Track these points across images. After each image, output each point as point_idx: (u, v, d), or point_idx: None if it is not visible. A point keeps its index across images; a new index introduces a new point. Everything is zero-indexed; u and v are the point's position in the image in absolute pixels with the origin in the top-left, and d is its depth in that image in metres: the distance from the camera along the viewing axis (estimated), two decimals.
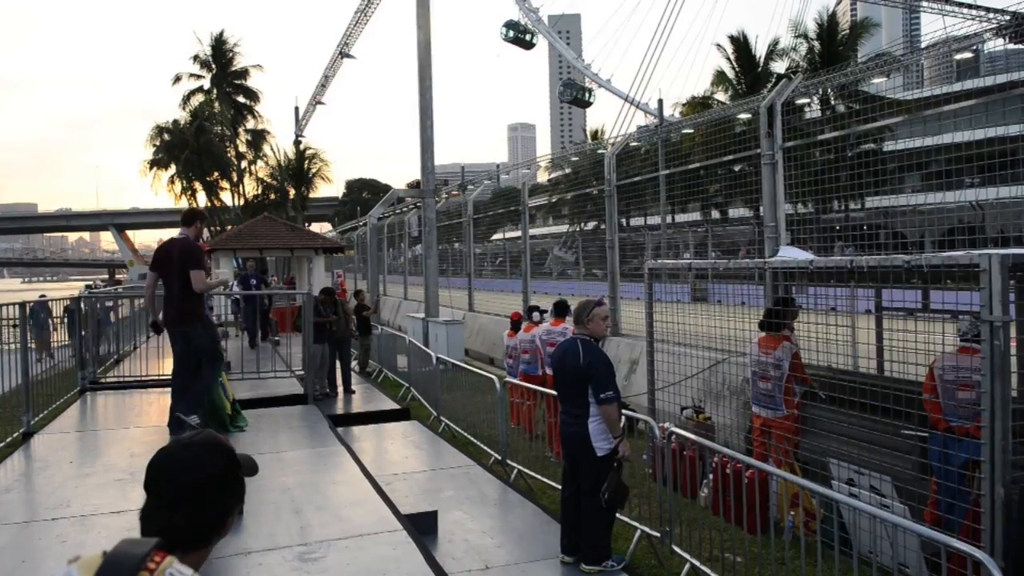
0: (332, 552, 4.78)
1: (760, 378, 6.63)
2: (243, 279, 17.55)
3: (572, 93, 39.36)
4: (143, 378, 11.06)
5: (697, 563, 5.00)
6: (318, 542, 4.93)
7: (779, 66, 34.04)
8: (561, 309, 9.79)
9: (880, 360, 6.80)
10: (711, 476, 6.45)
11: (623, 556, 5.28)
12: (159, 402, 9.62)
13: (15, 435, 7.69)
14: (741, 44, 35.15)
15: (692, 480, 6.62)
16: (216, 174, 49.89)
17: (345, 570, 4.53)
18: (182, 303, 7.08)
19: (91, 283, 60.35)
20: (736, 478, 5.35)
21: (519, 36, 39.16)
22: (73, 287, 63.82)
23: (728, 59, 35.38)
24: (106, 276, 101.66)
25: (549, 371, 8.60)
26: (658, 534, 5.41)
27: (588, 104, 39.86)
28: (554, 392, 5.84)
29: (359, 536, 5.04)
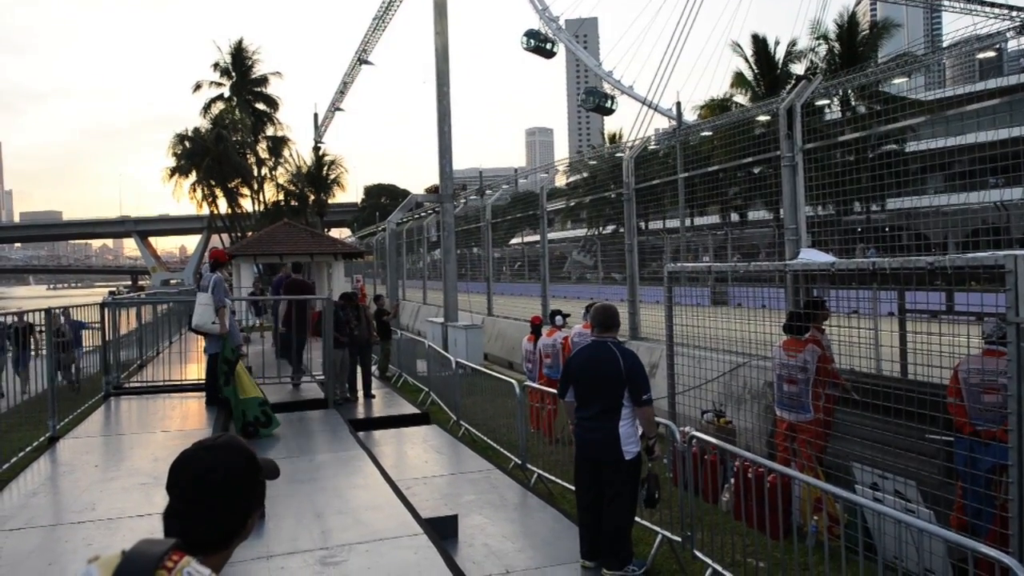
0: (353, 556, 4.80)
1: (785, 381, 6.58)
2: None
3: (595, 100, 39.34)
4: (166, 383, 11.17)
5: (719, 568, 4.96)
6: (339, 546, 4.95)
7: (799, 67, 33.85)
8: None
9: (904, 363, 6.72)
10: (732, 480, 6.40)
11: (644, 561, 5.26)
12: (182, 406, 9.73)
13: (41, 439, 7.81)
14: (760, 45, 34.97)
15: (713, 484, 6.57)
16: (237, 181, 50.36)
17: (366, 574, 4.54)
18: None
19: (114, 289, 61.00)
20: (758, 482, 5.31)
21: (540, 45, 39.25)
22: (97, 293, 64.53)
23: (747, 60, 35.21)
24: (129, 282, 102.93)
25: None
26: (679, 539, 5.38)
27: (610, 111, 39.81)
28: None
29: (380, 540, 5.05)
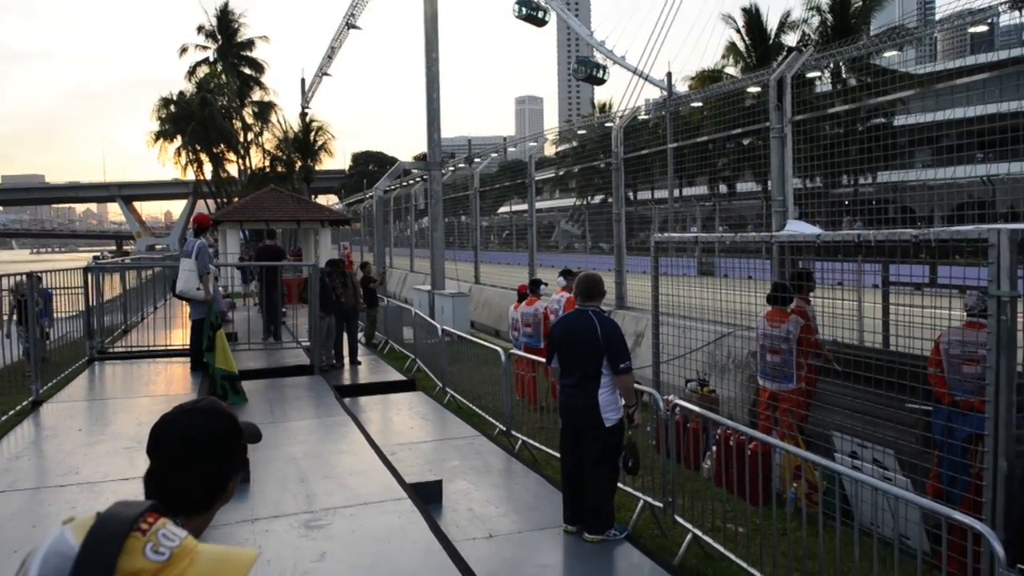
0: (338, 520, 4.83)
1: (769, 351, 6.63)
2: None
3: (586, 70, 38.92)
4: (151, 348, 11.14)
5: (699, 533, 5.04)
6: (324, 510, 4.98)
7: (791, 39, 33.60)
8: (570, 278, 9.76)
9: (886, 334, 6.79)
10: (714, 448, 6.48)
11: (626, 526, 5.33)
12: (167, 372, 9.71)
13: (24, 403, 7.77)
14: (752, 16, 34.68)
15: (695, 452, 6.66)
16: (222, 146, 49.75)
17: (350, 537, 4.58)
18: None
19: (98, 254, 60.44)
20: (739, 450, 5.37)
21: (531, 13, 38.70)
22: (81, 258, 63.90)
23: (739, 31, 34.93)
24: (114, 247, 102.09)
25: None
26: (661, 505, 5.45)
27: (602, 81, 39.38)
28: None
29: (364, 504, 5.09)
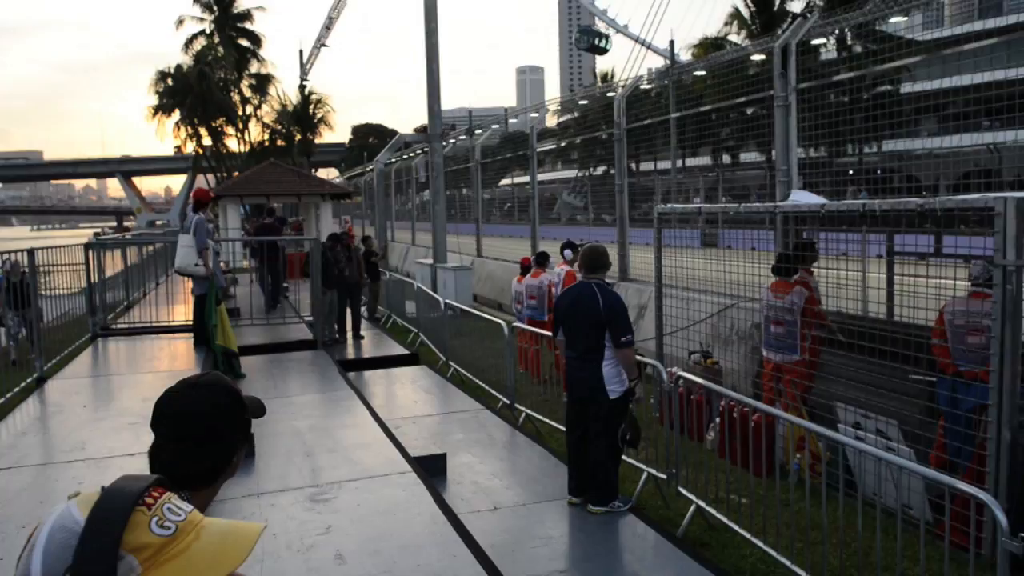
0: (343, 493, 4.86)
1: (773, 322, 6.61)
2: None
3: (588, 40, 38.45)
4: (153, 324, 11.15)
5: (703, 504, 5.06)
6: (329, 484, 5.01)
7: (796, 5, 33.16)
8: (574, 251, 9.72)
9: (890, 305, 6.77)
10: (718, 419, 6.49)
11: (630, 497, 5.36)
12: (170, 347, 9.73)
13: (29, 380, 7.80)
14: None
15: (699, 424, 6.67)
16: (221, 120, 49.41)
17: (356, 510, 4.61)
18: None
19: (99, 230, 60.40)
20: (743, 422, 5.38)
21: None
22: (81, 234, 63.80)
23: None
24: (114, 223, 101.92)
25: None
26: (665, 476, 5.47)
27: (604, 51, 38.95)
28: None
29: (369, 478, 5.12)
